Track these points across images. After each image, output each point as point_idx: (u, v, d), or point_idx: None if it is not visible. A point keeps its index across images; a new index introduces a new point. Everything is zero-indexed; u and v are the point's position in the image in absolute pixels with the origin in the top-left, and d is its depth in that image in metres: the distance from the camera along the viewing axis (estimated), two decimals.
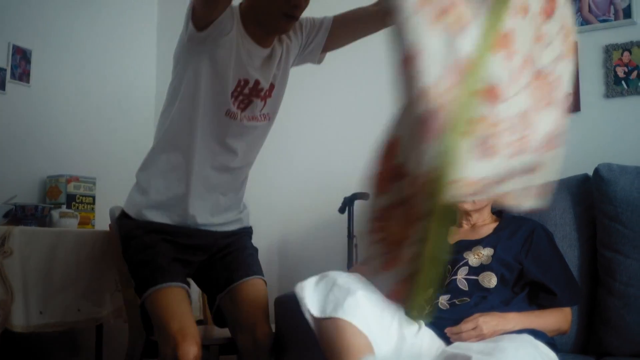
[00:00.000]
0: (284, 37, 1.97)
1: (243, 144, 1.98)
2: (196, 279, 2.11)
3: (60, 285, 2.27)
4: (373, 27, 1.94)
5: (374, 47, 3.01)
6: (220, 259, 2.04)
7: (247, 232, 2.16)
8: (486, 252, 1.91)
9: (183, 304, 1.84)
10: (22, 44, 2.85)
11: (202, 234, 2.00)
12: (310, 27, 2.02)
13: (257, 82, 1.91)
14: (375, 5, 1.91)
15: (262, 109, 1.98)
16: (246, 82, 1.89)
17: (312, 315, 1.59)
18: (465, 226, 2.07)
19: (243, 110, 1.93)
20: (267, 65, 1.94)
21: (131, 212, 1.99)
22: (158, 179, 1.96)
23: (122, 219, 2.03)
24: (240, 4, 1.89)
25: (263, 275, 2.06)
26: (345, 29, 2.02)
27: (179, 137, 1.93)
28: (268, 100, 1.99)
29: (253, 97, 1.93)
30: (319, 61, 2.10)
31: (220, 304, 2.01)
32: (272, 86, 1.97)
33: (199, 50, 1.84)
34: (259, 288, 2.02)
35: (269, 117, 2.02)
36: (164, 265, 1.87)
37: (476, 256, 1.91)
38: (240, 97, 1.91)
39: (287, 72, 2.03)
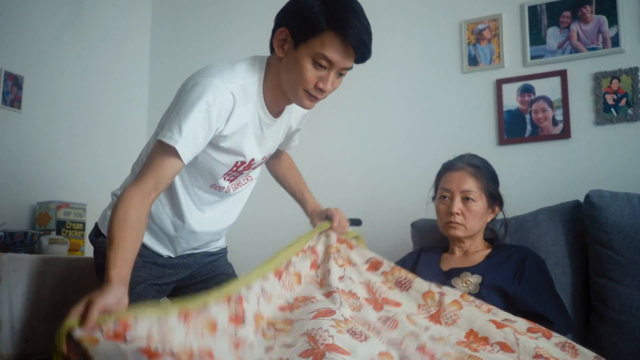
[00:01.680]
0: (292, 113, 1.90)
1: (226, 206, 1.96)
2: (172, 297, 2.08)
3: (47, 313, 2.24)
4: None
5: (371, 76, 3.04)
6: (203, 281, 2.02)
7: (224, 252, 2.14)
8: (474, 280, 1.89)
9: None
10: (14, 70, 2.85)
11: (183, 256, 1.99)
12: (303, 117, 2.00)
13: (252, 160, 1.82)
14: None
15: (248, 175, 1.93)
16: (242, 162, 1.81)
17: None
18: (458, 253, 2.07)
19: (231, 181, 1.87)
20: (271, 139, 1.86)
21: None
22: (153, 217, 1.89)
23: (98, 237, 1.95)
24: (270, 58, 1.74)
25: None
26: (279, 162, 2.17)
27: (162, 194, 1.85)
28: (257, 168, 1.95)
29: (244, 171, 1.87)
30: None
31: None
32: (264, 157, 1.91)
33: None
34: None
35: (253, 177, 1.97)
36: (137, 292, 1.82)
37: (464, 284, 1.90)
38: (232, 174, 1.85)
39: (282, 139, 1.98)
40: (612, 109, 2.49)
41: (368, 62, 2.80)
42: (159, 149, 1.57)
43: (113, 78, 3.43)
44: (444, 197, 2.05)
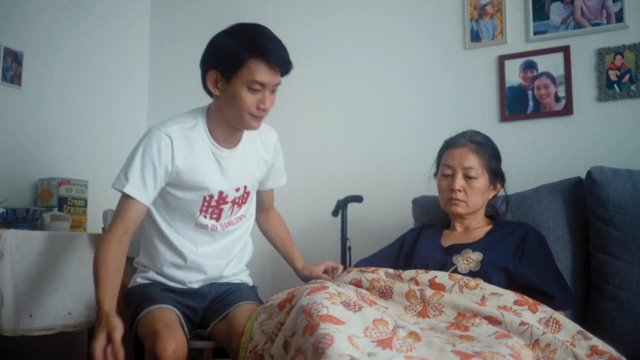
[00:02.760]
0: (256, 140, 2.03)
1: (223, 245, 2.05)
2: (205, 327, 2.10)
3: (51, 289, 2.25)
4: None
5: (373, 52, 3.02)
6: (220, 299, 2.05)
7: (245, 286, 2.16)
8: (475, 257, 1.90)
9: (172, 316, 1.85)
10: (14, 46, 2.83)
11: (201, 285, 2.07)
12: (274, 148, 2.11)
13: (221, 193, 1.95)
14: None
15: (237, 213, 2.05)
16: (211, 196, 1.94)
17: None
18: (459, 229, 2.07)
19: (217, 220, 1.99)
20: (236, 169, 1.97)
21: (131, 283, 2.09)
22: (160, 267, 2.01)
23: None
24: (209, 105, 1.96)
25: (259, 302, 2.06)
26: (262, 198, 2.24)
27: (159, 234, 2.01)
28: (244, 205, 2.06)
29: (221, 205, 1.97)
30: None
31: (212, 330, 1.98)
32: (247, 193, 2.03)
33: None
34: (253, 308, 1.98)
35: (246, 215, 2.09)
36: (157, 297, 1.91)
37: (465, 261, 1.90)
38: (210, 210, 1.97)
39: (262, 174, 2.09)
40: (615, 85, 2.48)
41: (372, 38, 2.81)
42: (120, 198, 1.83)
43: (113, 54, 3.41)
44: (446, 173, 2.05)
